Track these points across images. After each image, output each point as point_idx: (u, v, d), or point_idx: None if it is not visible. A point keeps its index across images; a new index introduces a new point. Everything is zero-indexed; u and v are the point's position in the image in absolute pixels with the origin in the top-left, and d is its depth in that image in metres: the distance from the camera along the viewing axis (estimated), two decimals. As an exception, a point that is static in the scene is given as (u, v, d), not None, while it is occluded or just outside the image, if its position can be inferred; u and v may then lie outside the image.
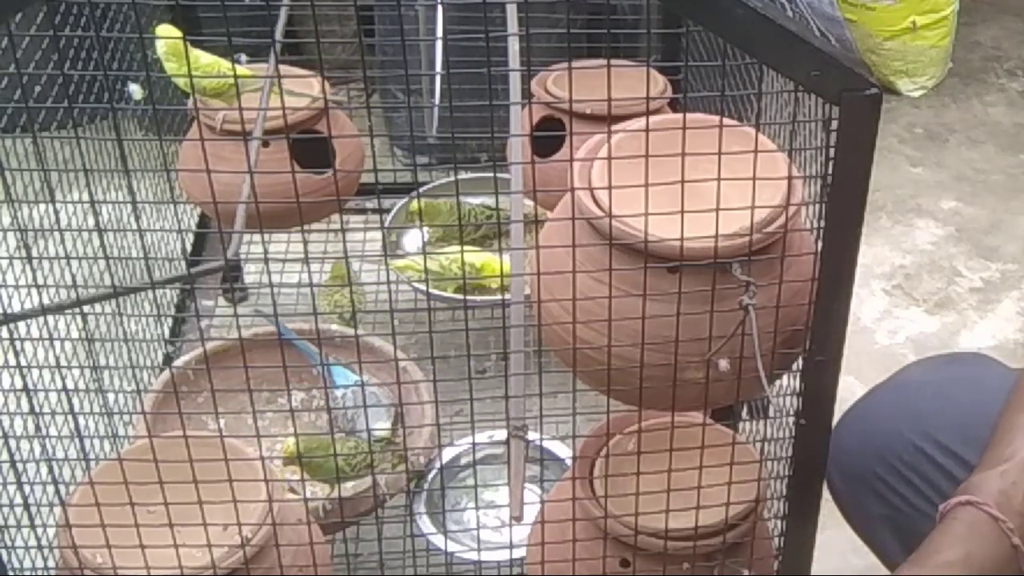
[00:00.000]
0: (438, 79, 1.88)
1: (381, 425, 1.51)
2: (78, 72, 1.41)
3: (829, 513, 1.14)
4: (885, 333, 2.16)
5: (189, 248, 2.09)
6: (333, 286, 1.83)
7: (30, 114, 0.95)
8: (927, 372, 1.30)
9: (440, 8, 1.71)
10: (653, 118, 0.99)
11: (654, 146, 0.86)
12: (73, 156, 1.39)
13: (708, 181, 0.87)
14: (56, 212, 1.00)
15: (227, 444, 1.04)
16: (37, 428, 1.09)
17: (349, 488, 1.42)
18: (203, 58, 1.53)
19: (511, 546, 1.19)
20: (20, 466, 1.05)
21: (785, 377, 1.05)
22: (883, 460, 1.21)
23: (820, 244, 0.92)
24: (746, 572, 1.10)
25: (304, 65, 1.77)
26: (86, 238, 1.19)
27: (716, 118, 0.90)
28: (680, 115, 0.91)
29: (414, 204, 1.88)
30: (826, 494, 1.07)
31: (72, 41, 1.44)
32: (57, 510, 1.07)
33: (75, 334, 1.19)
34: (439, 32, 1.87)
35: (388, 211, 2.00)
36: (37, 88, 1.08)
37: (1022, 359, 2.04)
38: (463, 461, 1.62)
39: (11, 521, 1.13)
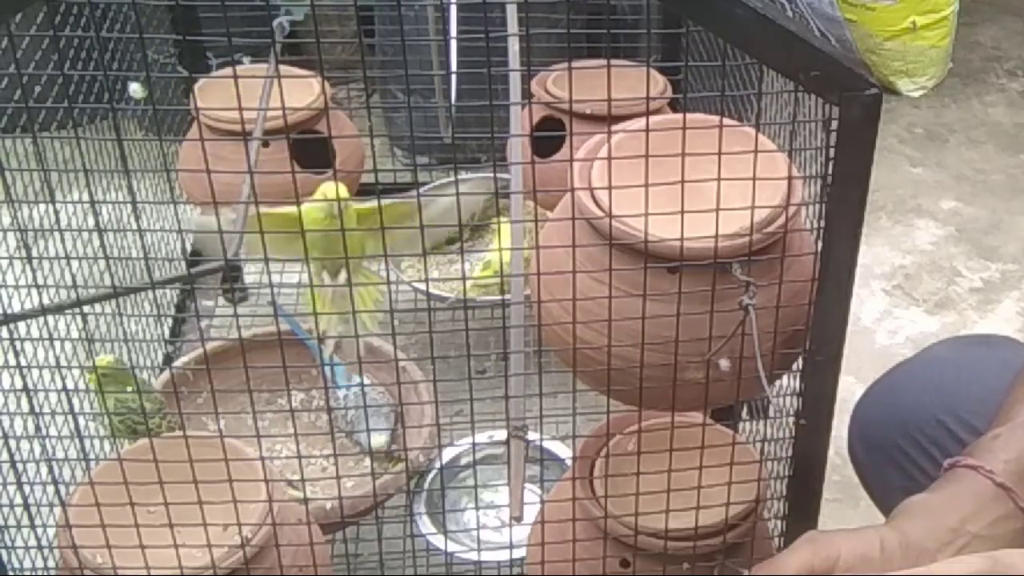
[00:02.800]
0: (453, 79, 1.88)
1: (382, 429, 1.51)
2: (78, 72, 1.41)
3: (829, 513, 1.14)
4: (885, 333, 2.16)
5: (189, 248, 2.09)
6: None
7: (30, 114, 0.95)
8: (955, 350, 1.31)
9: (454, 8, 1.70)
10: (653, 118, 0.99)
11: (654, 146, 0.86)
12: (73, 156, 1.38)
13: (708, 181, 0.87)
14: (56, 212, 1.00)
15: (227, 444, 1.04)
16: (37, 428, 1.08)
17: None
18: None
19: (511, 546, 1.19)
20: (20, 466, 1.05)
21: (785, 377, 1.05)
22: (906, 432, 1.21)
23: (820, 244, 0.92)
24: (746, 572, 1.10)
25: (304, 65, 1.77)
26: (86, 238, 1.18)
27: (716, 118, 0.90)
28: (680, 115, 0.91)
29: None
30: (827, 494, 1.07)
31: (72, 41, 1.44)
32: (57, 510, 1.07)
33: (75, 334, 1.19)
34: (453, 32, 1.87)
35: (388, 211, 2.00)
36: (37, 88, 1.08)
37: (1022, 359, 2.03)
38: (463, 461, 1.62)
39: (11, 521, 1.13)
